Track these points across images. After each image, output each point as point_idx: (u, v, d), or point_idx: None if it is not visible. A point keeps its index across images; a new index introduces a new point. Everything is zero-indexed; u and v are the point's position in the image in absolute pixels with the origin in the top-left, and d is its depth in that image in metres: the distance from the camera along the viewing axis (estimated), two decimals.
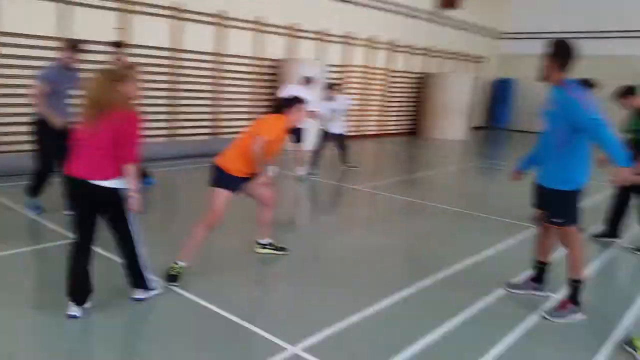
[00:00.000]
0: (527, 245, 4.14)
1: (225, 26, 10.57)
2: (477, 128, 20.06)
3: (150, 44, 9.44)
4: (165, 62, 9.80)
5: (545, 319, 3.65)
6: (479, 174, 10.78)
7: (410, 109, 16.84)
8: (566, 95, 3.48)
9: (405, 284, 4.12)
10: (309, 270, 4.47)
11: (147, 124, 9.78)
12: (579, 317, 3.67)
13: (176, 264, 3.91)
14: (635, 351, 3.20)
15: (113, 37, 8.15)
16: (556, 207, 3.65)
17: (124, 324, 3.35)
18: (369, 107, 15.06)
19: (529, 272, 4.16)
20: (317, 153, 8.79)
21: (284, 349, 3.03)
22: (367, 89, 14.73)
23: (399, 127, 16.50)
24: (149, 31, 9.38)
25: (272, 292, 4.12)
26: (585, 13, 18.14)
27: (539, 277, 4.06)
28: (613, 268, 5.08)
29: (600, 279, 4.70)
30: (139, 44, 9.19)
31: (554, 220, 3.67)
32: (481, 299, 3.92)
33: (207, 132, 10.81)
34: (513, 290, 4.10)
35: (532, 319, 3.64)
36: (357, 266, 4.61)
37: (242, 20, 10.90)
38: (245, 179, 4.12)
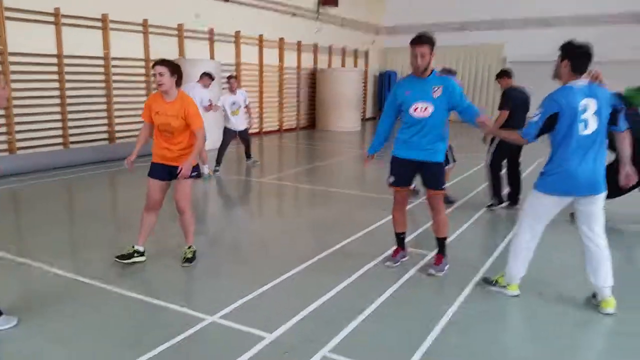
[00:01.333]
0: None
1: (112, 29, 10.48)
2: (368, 119, 21.34)
3: (33, 52, 9.16)
4: (53, 69, 9.56)
5: (432, 275, 4.30)
6: (373, 160, 11.66)
7: (306, 103, 17.58)
8: (448, 82, 4.19)
9: (309, 256, 4.70)
10: (223, 256, 4.90)
11: (41, 133, 9.51)
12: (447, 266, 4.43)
13: (132, 247, 4.49)
14: (504, 287, 3.94)
15: None
16: (439, 177, 4.31)
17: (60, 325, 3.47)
18: (266, 104, 15.53)
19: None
20: (221, 150, 9.01)
21: (204, 319, 3.46)
22: (262, 86, 15.18)
23: (296, 122, 17.16)
24: (34, 38, 9.11)
25: (192, 278, 4.48)
26: (456, 4, 19.69)
27: (402, 244, 4.67)
28: (480, 226, 6.03)
29: (467, 235, 5.61)
30: (19, 51, 8.91)
31: (442, 187, 4.31)
32: (370, 262, 4.60)
33: (104, 137, 10.65)
34: (392, 265, 4.54)
35: (412, 272, 4.37)
36: (267, 247, 5.13)
37: (127, 23, 10.85)
38: (164, 166, 4.28)
